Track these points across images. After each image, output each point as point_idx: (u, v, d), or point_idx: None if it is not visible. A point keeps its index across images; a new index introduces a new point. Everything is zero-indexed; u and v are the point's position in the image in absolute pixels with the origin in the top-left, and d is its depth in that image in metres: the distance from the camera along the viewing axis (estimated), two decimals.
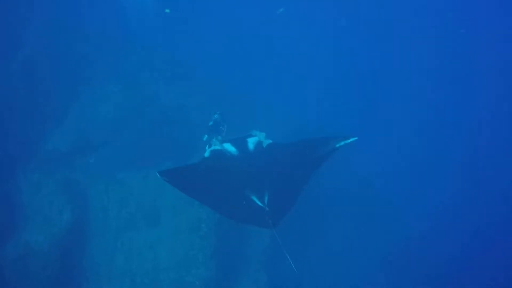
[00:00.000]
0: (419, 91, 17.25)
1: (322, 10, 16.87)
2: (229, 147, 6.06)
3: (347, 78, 16.24)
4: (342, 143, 5.58)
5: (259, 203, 5.15)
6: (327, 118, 12.92)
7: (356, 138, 5.56)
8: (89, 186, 8.16)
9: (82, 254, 7.37)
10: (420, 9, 18.06)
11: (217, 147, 6.05)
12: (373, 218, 11.53)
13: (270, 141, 6.11)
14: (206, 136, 7.01)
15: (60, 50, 9.38)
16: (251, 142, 6.12)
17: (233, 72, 12.23)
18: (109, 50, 10.15)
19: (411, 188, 13.69)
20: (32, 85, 8.60)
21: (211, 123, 7.41)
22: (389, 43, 17.62)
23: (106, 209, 7.91)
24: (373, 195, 11.89)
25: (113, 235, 7.65)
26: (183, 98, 10.20)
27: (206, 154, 6.13)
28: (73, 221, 7.36)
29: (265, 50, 14.47)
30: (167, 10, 11.93)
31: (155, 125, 9.64)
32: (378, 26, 17.52)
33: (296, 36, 15.92)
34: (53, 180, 7.81)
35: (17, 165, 7.96)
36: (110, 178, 8.38)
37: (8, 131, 8.04)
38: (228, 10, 14.29)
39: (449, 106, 17.73)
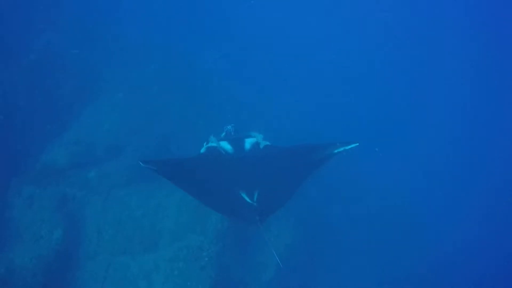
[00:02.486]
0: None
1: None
2: (225, 145, 6.06)
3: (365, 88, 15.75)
4: (341, 148, 5.38)
5: (248, 200, 5.15)
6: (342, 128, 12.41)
7: (358, 144, 5.34)
8: (85, 204, 7.61)
9: (70, 280, 6.73)
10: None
11: (214, 144, 6.04)
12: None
13: (268, 143, 6.04)
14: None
15: (68, 57, 9.01)
16: (248, 142, 6.11)
17: (246, 89, 11.84)
18: (119, 60, 9.77)
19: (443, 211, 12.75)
20: (35, 92, 8.18)
21: (223, 134, 7.29)
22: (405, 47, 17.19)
23: (101, 230, 7.31)
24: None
25: (106, 259, 7.01)
26: (194, 115, 9.74)
27: (202, 150, 6.14)
28: (64, 242, 6.76)
29: (276, 60, 14.22)
30: None
31: (162, 141, 9.15)
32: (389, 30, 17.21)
33: (307, 42, 15.67)
34: (47, 194, 7.29)
35: (11, 176, 7.45)
36: (109, 196, 7.83)
37: (5, 139, 7.56)
38: (244, 26, 14.11)
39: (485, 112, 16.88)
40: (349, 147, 5.36)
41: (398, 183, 12.49)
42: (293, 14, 16.45)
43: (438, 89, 16.66)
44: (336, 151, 5.40)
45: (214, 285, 7.01)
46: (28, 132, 7.95)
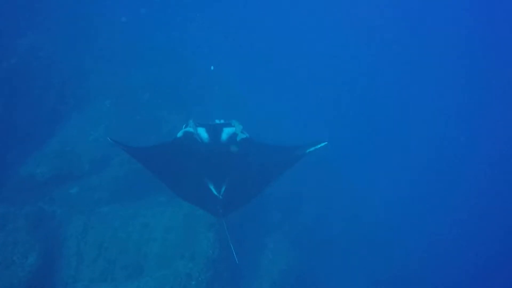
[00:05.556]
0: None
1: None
2: (202, 132, 5.96)
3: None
4: (312, 148, 5.60)
5: (215, 192, 5.24)
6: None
7: (326, 143, 5.55)
8: (65, 223, 6.99)
9: None
10: None
11: (191, 129, 5.93)
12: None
13: (246, 135, 5.96)
14: None
15: (53, 60, 8.37)
16: (225, 132, 6.01)
17: (244, 95, 11.35)
18: (109, 65, 9.15)
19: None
20: (14, 99, 7.53)
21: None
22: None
23: (81, 253, 6.71)
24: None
25: (85, 287, 6.41)
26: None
27: (179, 134, 6.08)
28: (38, 268, 6.11)
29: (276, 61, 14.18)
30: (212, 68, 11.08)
31: None
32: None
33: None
34: (23, 213, 6.62)
35: None
36: (91, 215, 7.22)
37: None
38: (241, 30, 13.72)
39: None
40: (319, 146, 5.56)
41: (390, 195, 12.23)
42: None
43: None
44: (307, 151, 5.58)
45: None
46: (5, 143, 7.31)
